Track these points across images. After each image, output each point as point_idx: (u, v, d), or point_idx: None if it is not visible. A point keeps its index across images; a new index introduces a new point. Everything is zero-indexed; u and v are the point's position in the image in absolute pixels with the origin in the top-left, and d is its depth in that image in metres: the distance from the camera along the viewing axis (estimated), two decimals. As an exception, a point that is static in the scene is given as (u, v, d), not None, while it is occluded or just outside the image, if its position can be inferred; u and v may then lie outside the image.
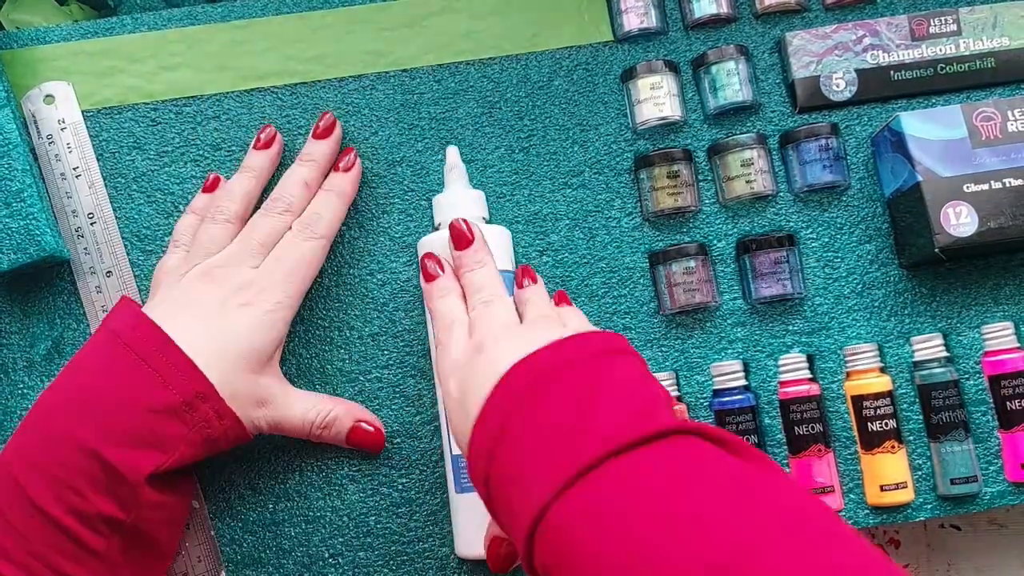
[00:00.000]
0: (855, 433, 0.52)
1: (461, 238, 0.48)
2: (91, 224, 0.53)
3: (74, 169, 0.53)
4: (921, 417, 0.52)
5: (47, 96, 0.54)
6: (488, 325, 0.44)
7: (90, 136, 0.55)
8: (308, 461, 0.52)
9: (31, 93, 0.54)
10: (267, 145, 0.53)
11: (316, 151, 0.53)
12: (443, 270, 0.48)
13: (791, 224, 0.54)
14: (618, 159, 0.55)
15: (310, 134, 0.53)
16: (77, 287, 0.53)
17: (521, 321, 0.45)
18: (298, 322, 0.53)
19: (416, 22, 0.56)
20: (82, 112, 0.55)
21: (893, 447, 0.51)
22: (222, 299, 0.48)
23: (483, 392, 0.40)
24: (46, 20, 0.61)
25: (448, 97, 0.56)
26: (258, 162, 0.53)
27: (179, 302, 0.48)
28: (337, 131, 0.54)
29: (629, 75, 0.55)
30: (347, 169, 0.53)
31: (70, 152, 0.54)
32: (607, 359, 0.40)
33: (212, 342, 0.47)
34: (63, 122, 0.54)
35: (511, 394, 0.39)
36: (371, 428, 0.51)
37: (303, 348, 0.53)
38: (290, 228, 0.50)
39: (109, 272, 0.53)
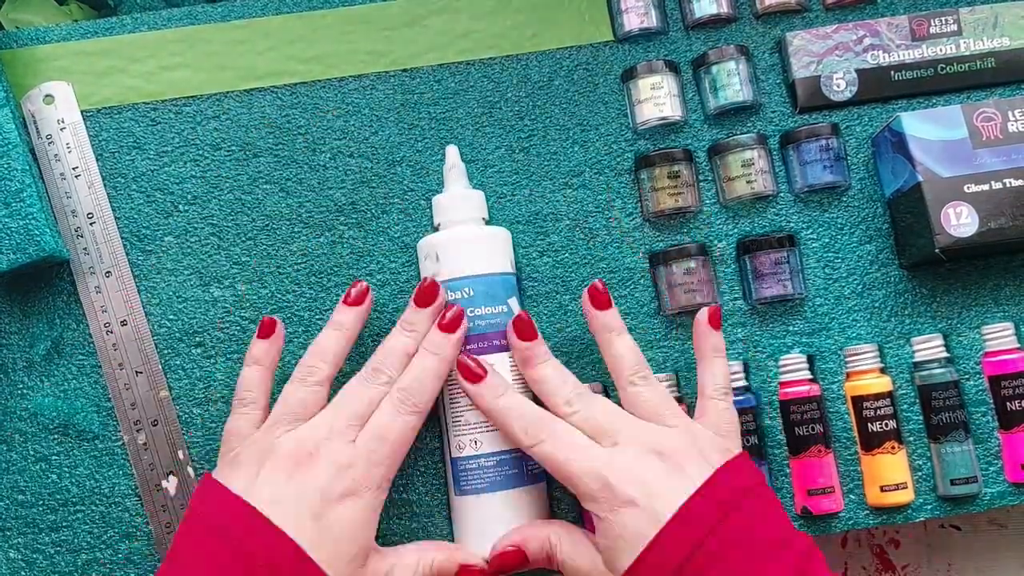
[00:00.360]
0: (855, 434, 0.52)
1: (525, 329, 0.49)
2: (90, 224, 0.53)
3: (73, 169, 0.53)
4: (921, 418, 0.52)
5: (47, 96, 0.54)
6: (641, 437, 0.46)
7: (90, 136, 0.55)
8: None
9: (31, 93, 0.54)
10: (358, 302, 0.49)
11: (418, 320, 0.49)
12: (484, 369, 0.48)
13: (791, 224, 0.54)
14: (618, 159, 0.55)
15: (412, 299, 0.49)
16: (76, 287, 0.53)
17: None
18: (298, 323, 0.53)
19: (416, 22, 0.56)
20: (82, 112, 0.55)
21: (893, 448, 0.51)
22: (323, 489, 0.44)
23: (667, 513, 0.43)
24: (46, 20, 0.61)
25: (448, 97, 0.56)
26: (349, 319, 0.49)
27: (270, 496, 0.44)
28: (440, 299, 0.49)
29: (629, 75, 0.55)
30: (452, 329, 0.49)
31: (69, 152, 0.54)
32: (763, 486, 0.45)
33: (317, 550, 0.43)
34: (62, 122, 0.54)
35: (707, 512, 0.43)
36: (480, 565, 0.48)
37: (303, 350, 0.53)
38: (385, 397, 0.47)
39: (108, 272, 0.53)
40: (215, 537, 0.43)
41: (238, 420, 0.48)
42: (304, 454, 0.45)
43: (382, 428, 0.46)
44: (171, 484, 0.52)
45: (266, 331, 0.49)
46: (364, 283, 0.50)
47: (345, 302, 0.50)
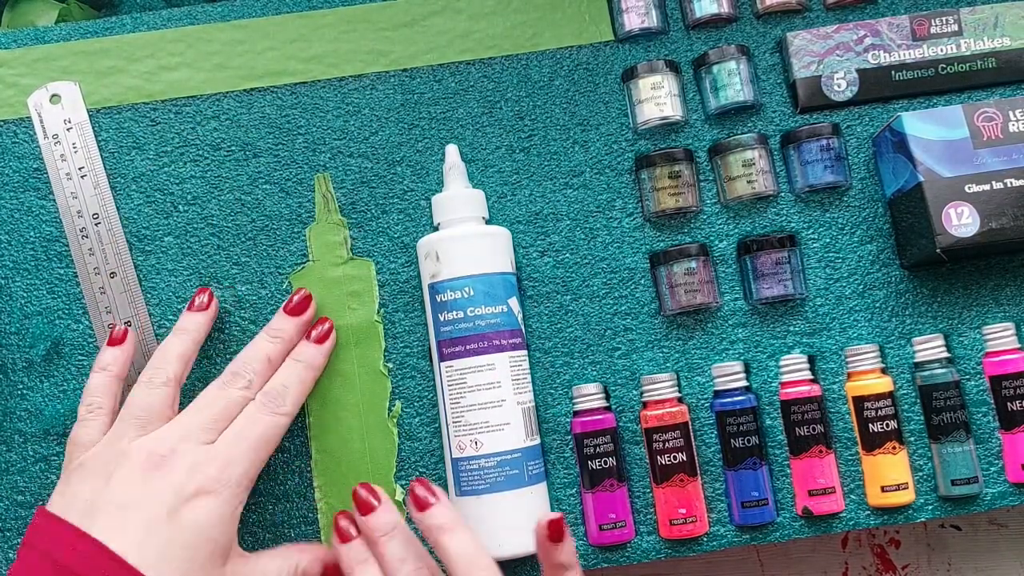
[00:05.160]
0: (856, 434, 0.52)
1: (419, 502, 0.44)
2: (96, 225, 0.53)
3: (79, 169, 0.53)
4: (922, 418, 0.52)
5: (53, 95, 0.54)
6: None
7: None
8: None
9: (37, 92, 0.54)
10: (204, 307, 0.50)
11: (286, 327, 0.50)
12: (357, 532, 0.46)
13: (792, 224, 0.54)
14: (619, 159, 0.55)
15: (281, 308, 0.50)
16: (80, 288, 0.53)
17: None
18: (298, 322, 0.53)
19: (416, 22, 0.56)
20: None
21: (894, 448, 0.51)
22: (176, 488, 0.43)
23: None
24: (46, 20, 0.61)
25: (448, 97, 0.56)
26: (194, 323, 0.50)
27: (121, 500, 0.42)
28: (311, 311, 0.51)
29: (630, 75, 0.55)
30: (321, 340, 0.50)
31: (75, 152, 0.53)
32: None
33: (172, 549, 0.41)
34: (69, 122, 0.54)
35: None
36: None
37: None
38: (249, 402, 0.47)
39: (113, 273, 0.53)
40: (36, 558, 0.41)
41: (84, 428, 0.46)
42: (158, 457, 0.44)
43: (241, 428, 0.46)
44: None
45: (118, 339, 0.49)
46: (209, 289, 0.51)
47: (190, 309, 0.50)
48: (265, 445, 0.46)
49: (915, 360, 0.53)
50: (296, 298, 0.51)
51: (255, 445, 0.46)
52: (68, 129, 0.54)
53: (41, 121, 0.54)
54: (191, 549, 0.42)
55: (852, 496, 0.52)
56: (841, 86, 0.55)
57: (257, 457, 0.46)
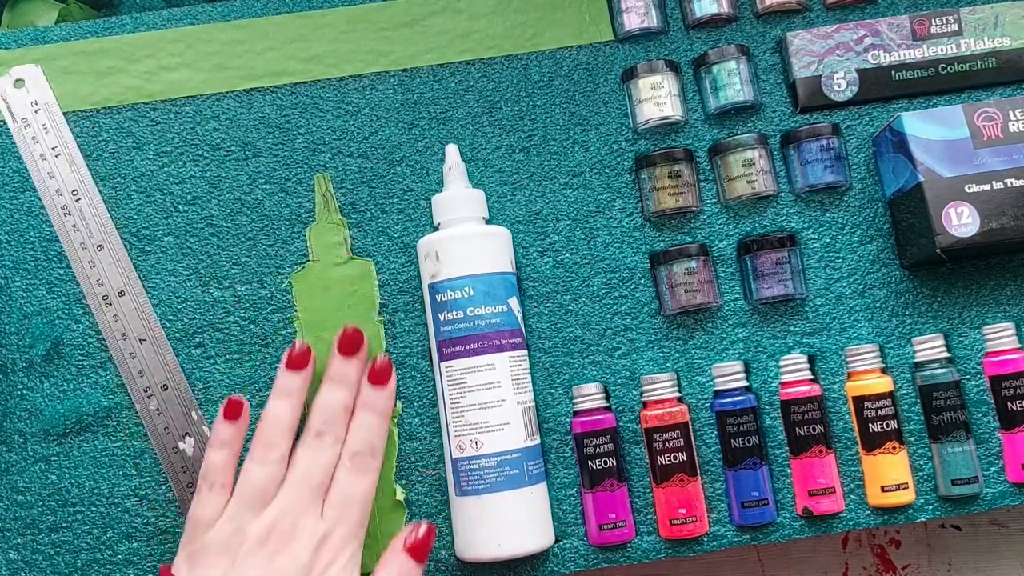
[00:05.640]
0: (856, 434, 0.52)
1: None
2: (76, 200, 0.53)
3: (53, 149, 0.53)
4: (922, 418, 0.52)
5: (17, 80, 0.54)
6: None
7: (89, 136, 0.54)
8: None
9: (0, 80, 0.54)
10: (302, 365, 0.49)
11: (347, 370, 0.49)
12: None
13: (792, 224, 0.54)
14: (619, 159, 0.55)
15: (335, 349, 0.49)
16: (80, 288, 0.53)
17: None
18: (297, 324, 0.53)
19: (416, 22, 0.56)
20: (81, 111, 0.55)
21: (894, 448, 0.51)
22: (307, 563, 0.45)
23: None
24: (46, 20, 0.61)
25: (448, 97, 0.56)
26: (296, 385, 0.49)
27: (261, 573, 0.44)
28: (364, 346, 0.50)
29: (630, 75, 0.55)
30: (383, 381, 0.49)
31: (47, 133, 0.54)
32: None
33: None
34: (36, 104, 0.54)
35: None
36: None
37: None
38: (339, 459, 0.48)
39: (100, 246, 0.52)
40: None
41: (205, 506, 0.46)
42: (279, 536, 0.45)
43: (345, 495, 0.47)
44: (188, 444, 0.52)
45: (233, 413, 0.48)
46: (305, 343, 0.50)
47: (289, 366, 0.49)
48: (369, 503, 0.47)
49: (915, 360, 0.53)
50: (346, 335, 0.49)
51: (363, 507, 0.47)
52: (36, 111, 0.54)
53: (8, 108, 0.54)
54: None
55: (852, 496, 0.52)
56: (841, 86, 0.55)
57: (366, 515, 0.47)
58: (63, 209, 0.53)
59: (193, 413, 0.52)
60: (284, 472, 0.47)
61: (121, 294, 0.53)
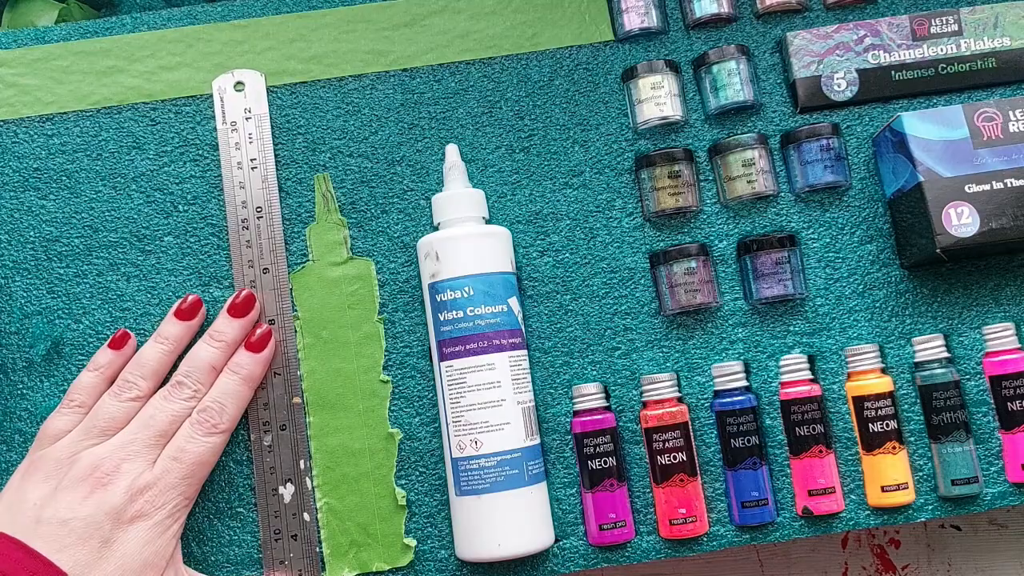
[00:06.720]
0: (856, 434, 0.52)
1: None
2: (258, 219, 0.53)
3: (251, 160, 0.53)
4: (922, 418, 0.52)
5: (238, 83, 0.55)
6: None
7: (89, 136, 0.54)
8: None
9: (223, 76, 0.54)
10: (190, 315, 0.50)
11: (229, 330, 0.50)
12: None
13: (792, 224, 0.54)
14: (619, 159, 0.55)
15: (224, 307, 0.50)
16: (80, 288, 0.53)
17: None
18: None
19: (416, 21, 0.56)
20: (80, 111, 0.55)
21: (894, 448, 0.51)
22: (116, 511, 0.44)
23: None
24: (46, 20, 0.61)
25: (448, 97, 0.56)
26: (176, 332, 0.50)
27: (64, 515, 0.44)
28: (254, 311, 0.51)
29: (630, 75, 0.55)
30: (258, 348, 0.50)
31: (250, 143, 0.53)
32: None
33: (107, 571, 0.43)
34: (249, 111, 0.54)
35: None
36: None
37: (303, 348, 0.53)
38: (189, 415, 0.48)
39: (266, 269, 0.52)
40: None
41: (58, 420, 0.48)
42: (102, 475, 0.45)
43: (179, 449, 0.47)
44: (287, 492, 0.51)
45: (117, 344, 0.50)
46: (196, 296, 0.50)
47: (176, 315, 0.50)
48: (201, 467, 0.47)
49: (915, 360, 0.53)
50: (240, 299, 0.50)
51: (191, 469, 0.47)
52: (247, 119, 0.54)
53: (222, 105, 0.54)
54: (128, 572, 0.44)
55: (852, 496, 0.52)
56: (841, 86, 0.55)
57: (194, 479, 0.47)
58: (243, 222, 0.52)
59: (301, 462, 0.51)
60: (135, 412, 0.48)
61: (271, 322, 0.52)
